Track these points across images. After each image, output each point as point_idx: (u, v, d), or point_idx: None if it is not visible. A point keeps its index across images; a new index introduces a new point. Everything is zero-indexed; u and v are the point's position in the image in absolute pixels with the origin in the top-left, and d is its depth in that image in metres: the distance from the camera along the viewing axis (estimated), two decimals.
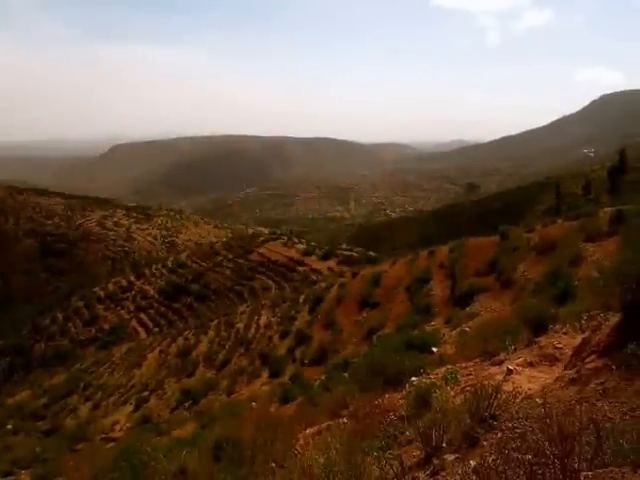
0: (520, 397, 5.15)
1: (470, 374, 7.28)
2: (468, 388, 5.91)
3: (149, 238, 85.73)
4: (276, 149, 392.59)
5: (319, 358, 23.23)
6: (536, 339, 7.62)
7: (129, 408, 27.72)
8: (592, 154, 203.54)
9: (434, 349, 12.25)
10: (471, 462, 3.69)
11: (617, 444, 3.22)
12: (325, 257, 49.55)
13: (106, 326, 53.02)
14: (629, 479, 2.91)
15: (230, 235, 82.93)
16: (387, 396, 7.46)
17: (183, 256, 63.38)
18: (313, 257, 50.50)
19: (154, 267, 62.40)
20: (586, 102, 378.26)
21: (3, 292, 71.73)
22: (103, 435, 23.68)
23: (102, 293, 59.10)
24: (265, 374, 24.48)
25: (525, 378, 6.17)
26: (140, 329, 51.16)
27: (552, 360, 6.68)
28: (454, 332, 15.72)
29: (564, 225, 21.51)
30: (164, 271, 60.27)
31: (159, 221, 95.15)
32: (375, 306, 25.00)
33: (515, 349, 7.65)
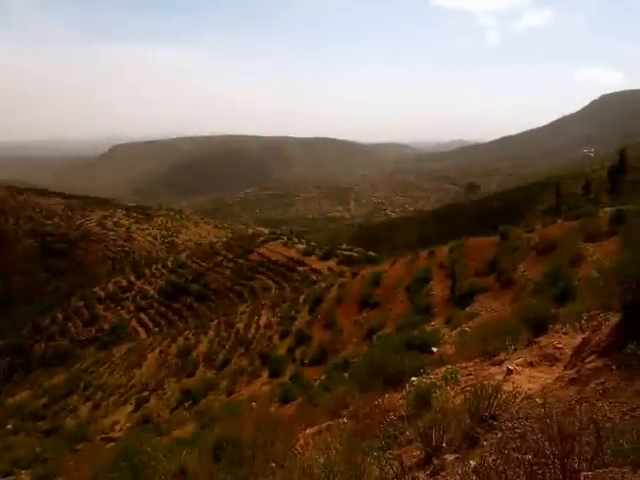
0: (520, 397, 5.15)
1: (470, 374, 7.28)
2: (468, 388, 5.91)
3: (149, 238, 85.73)
4: (276, 149, 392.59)
5: (319, 358, 23.23)
6: (536, 339, 7.62)
7: (129, 408, 27.72)
8: (592, 154, 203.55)
9: (434, 349, 12.25)
10: (471, 462, 3.69)
11: (617, 444, 3.22)
12: (325, 257, 49.56)
13: (106, 326, 53.02)
14: (629, 479, 2.91)
15: (230, 235, 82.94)
16: (387, 396, 7.46)
17: (183, 256, 63.39)
18: (313, 257, 50.51)
19: (154, 267, 62.40)
20: (586, 102, 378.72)
21: (3, 292, 71.74)
22: (103, 435, 23.68)
23: (102, 293, 59.11)
24: (265, 374, 24.48)
25: (525, 378, 6.17)
26: (140, 329, 51.17)
27: (552, 360, 6.68)
28: (454, 332, 15.72)
29: (564, 225, 21.51)
30: (164, 271, 60.28)
31: (159, 221, 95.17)
32: (375, 306, 25.00)
33: (515, 349, 7.65)
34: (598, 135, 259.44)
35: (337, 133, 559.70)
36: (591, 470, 3.02)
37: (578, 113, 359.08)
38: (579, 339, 6.29)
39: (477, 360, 8.08)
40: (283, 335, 28.01)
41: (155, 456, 7.21)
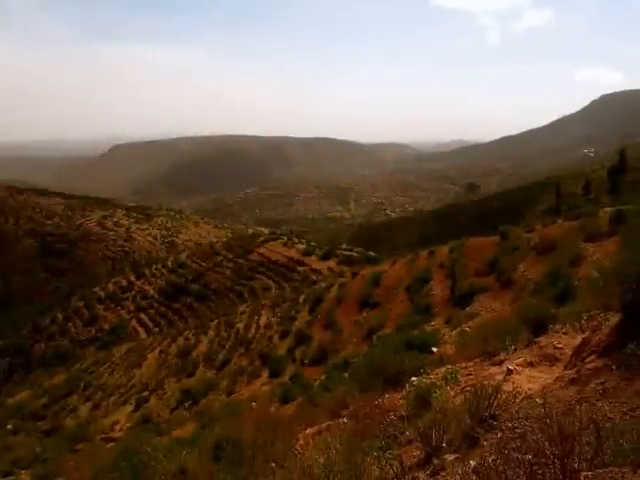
0: (520, 397, 5.15)
1: (470, 374, 7.28)
2: (468, 388, 5.92)
3: (149, 238, 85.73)
4: (276, 149, 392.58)
5: (319, 358, 23.23)
6: (536, 339, 7.62)
7: (129, 408, 27.72)
8: (592, 154, 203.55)
9: (434, 349, 12.26)
10: (471, 462, 3.69)
11: (617, 444, 3.22)
12: (325, 257, 49.56)
13: (106, 326, 53.02)
14: (629, 479, 2.91)
15: (230, 235, 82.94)
16: (387, 396, 7.46)
17: (183, 256, 63.38)
18: (313, 257, 50.51)
19: (154, 267, 62.40)
20: (586, 102, 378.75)
21: (3, 292, 71.74)
22: (103, 435, 23.68)
23: (102, 293, 59.10)
24: (265, 374, 24.48)
25: (525, 378, 6.17)
26: (140, 329, 51.16)
27: (552, 360, 6.68)
28: (454, 332, 15.73)
29: (564, 225, 21.51)
30: (164, 271, 60.27)
31: (159, 221, 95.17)
32: (375, 306, 25.00)
33: (515, 349, 7.65)
34: (598, 135, 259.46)
35: (337, 133, 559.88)
36: (591, 470, 3.02)
37: (578, 113, 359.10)
38: (579, 339, 6.29)
39: (477, 360, 8.08)
40: (283, 335, 28.01)
41: (155, 456, 7.21)
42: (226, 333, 32.94)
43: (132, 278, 60.85)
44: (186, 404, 24.93)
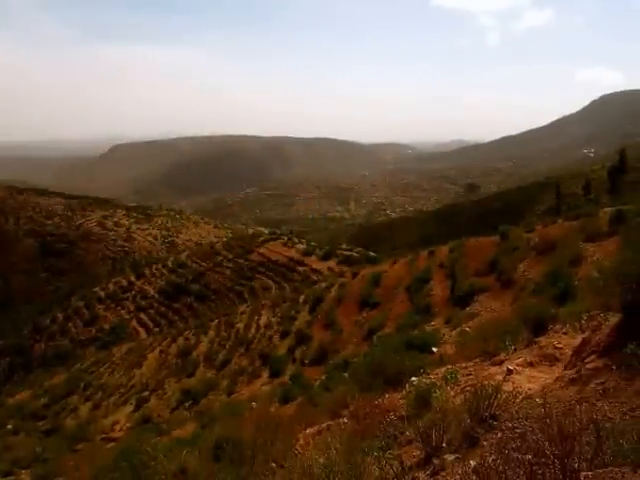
0: (520, 397, 5.15)
1: (470, 374, 7.29)
2: (468, 388, 5.92)
3: (149, 238, 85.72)
4: (276, 149, 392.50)
5: (319, 358, 23.23)
6: (536, 339, 7.62)
7: (129, 408, 27.72)
8: (592, 154, 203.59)
9: (434, 349, 12.27)
10: (471, 462, 3.69)
11: (617, 444, 3.22)
12: (325, 257, 49.56)
13: (106, 326, 53.03)
14: (629, 479, 2.91)
15: (230, 235, 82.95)
16: (387, 396, 7.46)
17: (183, 256, 63.38)
18: (313, 257, 50.51)
19: (154, 267, 62.40)
20: (586, 102, 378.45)
21: (3, 292, 71.74)
22: (103, 435, 23.68)
23: (102, 293, 59.11)
24: (265, 374, 24.49)
25: (525, 378, 6.18)
26: (140, 329, 51.18)
27: (552, 360, 6.68)
28: (454, 332, 15.73)
29: (564, 225, 21.51)
30: (164, 271, 60.28)
31: (159, 221, 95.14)
32: (375, 306, 25.00)
33: (515, 349, 7.66)
34: (598, 135, 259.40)
35: (337, 133, 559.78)
36: (591, 470, 3.02)
37: (578, 113, 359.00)
38: (579, 339, 6.29)
39: (477, 360, 8.08)
40: (283, 335, 28.01)
41: (155, 456, 7.21)
42: (226, 333, 32.94)
43: (132, 278, 60.85)
44: (186, 404, 24.93)
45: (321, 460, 4.21)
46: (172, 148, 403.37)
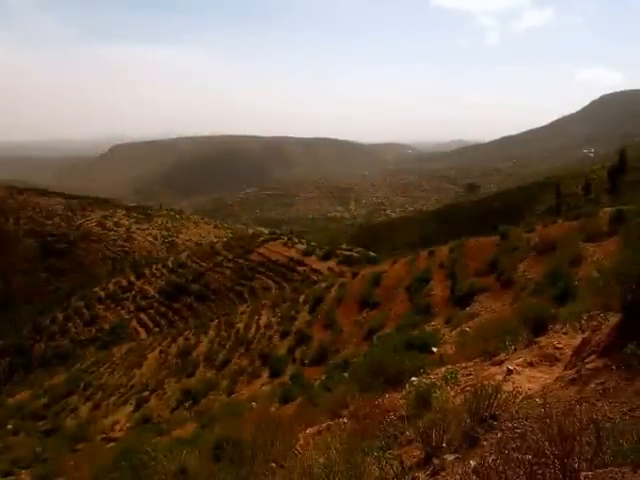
0: (520, 397, 5.15)
1: (470, 374, 7.29)
2: (468, 388, 5.92)
3: (149, 238, 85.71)
4: (276, 149, 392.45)
5: (319, 358, 23.22)
6: (536, 339, 7.62)
7: (129, 408, 27.72)
8: (592, 154, 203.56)
9: (434, 349, 12.27)
10: (471, 462, 3.69)
11: (617, 444, 3.22)
12: (325, 257, 49.55)
13: (106, 326, 53.02)
14: (629, 479, 2.91)
15: (230, 235, 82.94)
16: (387, 396, 7.46)
17: (183, 256, 63.38)
18: (313, 257, 50.51)
19: (154, 267, 62.39)
20: (586, 102, 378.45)
21: (3, 292, 71.74)
22: (103, 435, 23.68)
23: (102, 293, 59.09)
24: (265, 374, 24.48)
25: (525, 378, 6.17)
26: (140, 329, 51.17)
27: (552, 360, 6.68)
28: (454, 332, 15.73)
29: (564, 225, 21.50)
30: (164, 271, 60.27)
31: (159, 221, 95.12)
32: (375, 306, 24.99)
33: (515, 349, 7.66)
34: (598, 135, 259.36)
35: (337, 133, 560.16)
36: (591, 470, 3.02)
37: (578, 113, 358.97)
38: (579, 339, 6.29)
39: (477, 360, 8.08)
40: (283, 335, 28.00)
41: (155, 456, 7.21)
42: (226, 333, 32.94)
43: (132, 278, 60.83)
44: (186, 404, 24.93)
45: (321, 460, 4.21)
46: (172, 148, 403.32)
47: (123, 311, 55.26)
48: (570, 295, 12.30)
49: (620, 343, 4.61)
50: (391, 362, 8.66)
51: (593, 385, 4.46)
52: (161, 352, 35.05)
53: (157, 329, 49.56)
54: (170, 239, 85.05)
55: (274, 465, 5.78)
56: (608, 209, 20.83)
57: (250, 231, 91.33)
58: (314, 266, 47.86)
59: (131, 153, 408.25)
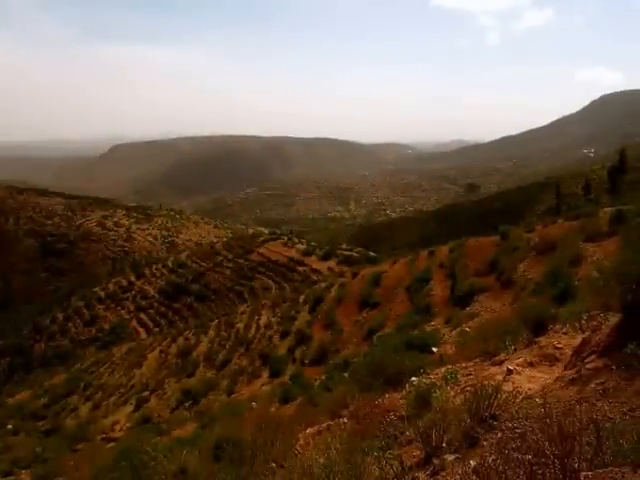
0: (520, 397, 5.15)
1: (470, 374, 7.29)
2: (468, 388, 5.92)
3: (149, 238, 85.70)
4: (276, 149, 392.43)
5: (319, 358, 23.22)
6: (536, 339, 7.62)
7: (129, 408, 27.72)
8: (592, 154, 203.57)
9: (434, 349, 12.27)
10: (471, 462, 3.69)
11: (617, 444, 3.22)
12: (325, 257, 49.56)
13: (106, 326, 53.02)
14: (629, 479, 2.91)
15: (230, 235, 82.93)
16: (387, 396, 7.46)
17: (183, 256, 63.37)
18: (313, 257, 50.51)
19: (154, 267, 62.39)
20: (586, 102, 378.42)
21: (3, 292, 71.74)
22: (103, 435, 23.68)
23: (102, 293, 59.10)
24: (265, 374, 24.48)
25: (525, 378, 6.17)
26: (140, 329, 51.17)
27: (552, 360, 6.68)
28: (454, 332, 15.73)
29: (564, 225, 21.50)
30: (164, 271, 60.27)
31: (159, 221, 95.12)
32: (375, 306, 24.99)
33: (515, 349, 7.66)
34: (598, 135, 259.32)
35: (337, 133, 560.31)
36: (591, 470, 3.02)
37: (578, 113, 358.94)
38: (579, 339, 6.29)
39: (477, 360, 8.08)
40: (283, 335, 28.00)
41: (155, 456, 7.21)
42: (226, 333, 32.94)
43: (132, 278, 60.84)
44: (186, 404, 24.93)
45: (321, 460, 4.21)
46: (172, 148, 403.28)
47: (123, 311, 55.26)
48: (570, 295, 12.30)
49: (620, 343, 4.61)
50: (391, 362, 8.65)
51: (593, 385, 4.46)
52: (161, 352, 35.05)
53: (157, 329, 49.56)
54: (170, 239, 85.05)
55: (274, 465, 5.78)
56: (608, 209, 20.82)
57: (250, 231, 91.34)
58: (314, 266, 47.86)
59: (131, 153, 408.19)
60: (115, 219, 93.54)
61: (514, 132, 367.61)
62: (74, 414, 29.99)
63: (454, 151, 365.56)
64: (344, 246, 57.06)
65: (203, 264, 58.06)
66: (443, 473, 4.02)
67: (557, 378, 5.41)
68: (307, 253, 51.60)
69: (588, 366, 4.86)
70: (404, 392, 6.96)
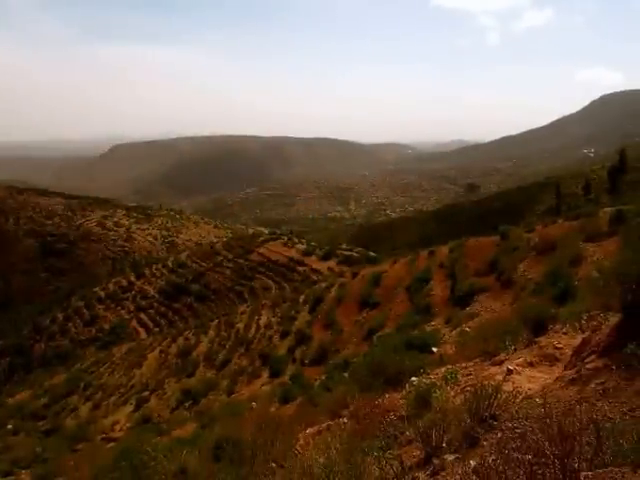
0: (520, 397, 5.15)
1: (470, 374, 7.29)
2: (468, 388, 5.92)
3: (149, 238, 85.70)
4: (276, 149, 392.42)
5: (319, 358, 23.22)
6: (536, 339, 7.62)
7: (129, 408, 27.72)
8: (592, 154, 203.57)
9: (434, 349, 12.27)
10: (471, 462, 3.69)
11: (617, 444, 3.22)
12: (325, 257, 49.56)
13: (106, 326, 53.02)
14: (629, 479, 2.91)
15: (230, 235, 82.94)
16: (387, 396, 7.46)
17: (183, 256, 63.37)
18: (313, 257, 50.51)
19: (154, 267, 62.39)
20: (586, 102, 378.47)
21: (3, 292, 71.74)
22: (103, 435, 23.68)
23: (102, 293, 59.10)
24: (265, 374, 24.49)
25: (525, 378, 6.17)
26: (140, 329, 51.17)
27: (552, 360, 6.68)
28: (454, 332, 15.73)
29: (564, 225, 21.49)
30: (164, 271, 60.26)
31: (159, 221, 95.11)
32: (375, 306, 24.99)
33: (515, 349, 7.66)
34: (598, 135, 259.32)
35: (337, 133, 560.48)
36: (591, 470, 3.02)
37: (578, 113, 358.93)
38: (579, 339, 6.29)
39: (477, 360, 8.08)
40: (283, 335, 28.00)
41: (155, 456, 7.21)
42: (226, 333, 32.94)
43: (132, 278, 60.84)
44: (186, 404, 24.93)
45: (321, 460, 4.21)
46: (172, 148, 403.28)
47: (123, 311, 55.26)
48: (570, 295, 12.30)
49: (620, 343, 4.61)
50: (391, 362, 8.66)
51: (593, 385, 4.46)
52: (161, 352, 35.05)
53: (157, 329, 49.56)
54: (170, 239, 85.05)
55: (274, 465, 5.78)
56: (608, 209, 20.82)
57: (250, 231, 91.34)
58: (314, 266, 47.86)
59: (131, 153, 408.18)
60: (115, 219, 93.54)
61: (514, 132, 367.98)
62: (74, 414, 29.99)
63: (454, 151, 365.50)
64: (344, 246, 57.06)
65: (203, 264, 58.06)
66: (443, 473, 4.02)
67: (557, 378, 5.41)
68: (307, 253, 51.60)
69: (588, 366, 4.86)
70: (404, 392, 6.96)
